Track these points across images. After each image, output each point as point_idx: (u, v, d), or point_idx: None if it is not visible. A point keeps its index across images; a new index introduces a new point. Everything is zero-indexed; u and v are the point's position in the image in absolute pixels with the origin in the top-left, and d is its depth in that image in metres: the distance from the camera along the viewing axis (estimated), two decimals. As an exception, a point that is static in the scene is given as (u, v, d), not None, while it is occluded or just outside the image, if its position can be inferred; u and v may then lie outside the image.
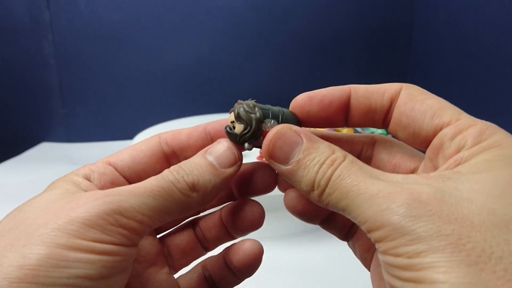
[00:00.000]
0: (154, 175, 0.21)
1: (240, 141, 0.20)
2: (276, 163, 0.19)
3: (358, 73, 0.85)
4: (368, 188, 0.15)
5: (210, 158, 0.20)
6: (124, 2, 0.81)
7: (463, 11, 0.60)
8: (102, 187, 0.20)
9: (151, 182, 0.18)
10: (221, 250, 0.24)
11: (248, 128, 0.20)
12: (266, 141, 0.19)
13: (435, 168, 0.18)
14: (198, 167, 0.19)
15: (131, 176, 0.22)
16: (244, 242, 0.23)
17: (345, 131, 0.68)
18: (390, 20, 0.83)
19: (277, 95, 0.85)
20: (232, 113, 0.20)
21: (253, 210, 0.23)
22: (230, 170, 0.20)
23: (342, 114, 0.21)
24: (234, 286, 0.24)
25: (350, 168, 0.17)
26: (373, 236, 0.15)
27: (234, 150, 0.20)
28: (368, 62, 0.85)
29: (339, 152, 0.18)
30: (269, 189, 0.23)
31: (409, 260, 0.13)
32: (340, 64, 0.85)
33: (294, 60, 0.85)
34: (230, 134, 0.20)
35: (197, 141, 0.22)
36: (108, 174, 0.21)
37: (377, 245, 0.15)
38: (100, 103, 0.87)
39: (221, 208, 0.24)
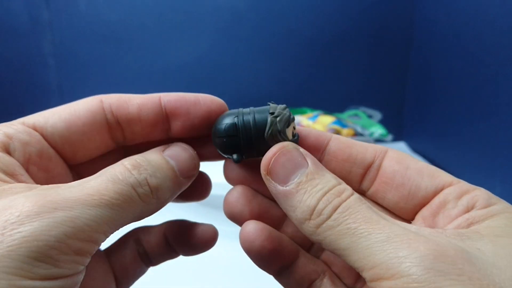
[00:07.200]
0: (92, 148, 0.18)
1: None
2: (273, 181, 0.16)
3: (359, 73, 0.85)
4: (384, 229, 0.13)
5: (172, 162, 0.17)
6: (124, 2, 0.81)
7: (464, 11, 0.60)
8: (26, 162, 0.16)
9: (107, 186, 0.14)
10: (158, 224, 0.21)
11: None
12: (268, 154, 0.17)
13: (432, 228, 0.16)
14: (160, 169, 0.16)
15: (64, 147, 0.18)
16: (198, 227, 0.21)
17: (346, 131, 0.68)
18: (391, 20, 0.82)
19: (277, 95, 0.84)
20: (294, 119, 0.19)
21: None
22: (186, 181, 0.18)
23: (316, 153, 0.19)
24: (169, 259, 0.22)
25: (360, 204, 0.15)
26: (381, 286, 0.13)
27: (196, 160, 0.18)
28: (369, 62, 0.85)
29: (346, 185, 0.16)
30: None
31: None
32: (340, 64, 0.85)
33: (294, 60, 0.85)
34: (295, 141, 0.18)
35: (149, 115, 0.19)
36: (34, 144, 0.17)
37: None
38: (99, 103, 0.86)
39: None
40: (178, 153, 0.17)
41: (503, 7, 0.50)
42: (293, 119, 0.18)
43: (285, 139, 0.18)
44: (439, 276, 0.12)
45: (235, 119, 0.18)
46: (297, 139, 0.19)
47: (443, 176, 0.17)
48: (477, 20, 0.57)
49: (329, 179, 0.16)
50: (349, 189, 0.16)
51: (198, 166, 0.18)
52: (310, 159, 0.17)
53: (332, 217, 0.15)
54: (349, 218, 0.14)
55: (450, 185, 0.17)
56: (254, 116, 0.18)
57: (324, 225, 0.15)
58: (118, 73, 0.85)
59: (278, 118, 0.18)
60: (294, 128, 0.19)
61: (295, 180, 0.16)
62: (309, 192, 0.15)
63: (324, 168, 0.17)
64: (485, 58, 0.55)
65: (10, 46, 0.82)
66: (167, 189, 0.16)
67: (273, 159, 0.17)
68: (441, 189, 0.17)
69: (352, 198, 0.15)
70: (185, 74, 0.85)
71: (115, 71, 0.84)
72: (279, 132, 0.18)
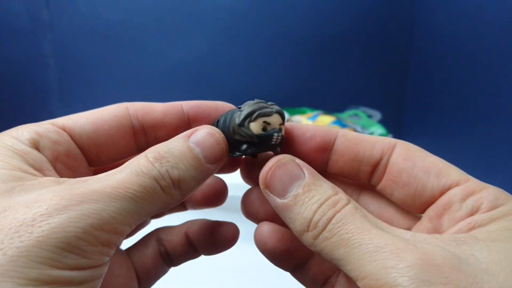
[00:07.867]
0: (116, 151, 0.19)
1: (279, 144, 0.18)
2: (271, 195, 0.16)
3: (359, 73, 0.85)
4: (374, 239, 0.14)
5: (196, 149, 0.16)
6: (124, 2, 0.81)
7: (464, 11, 0.60)
8: (54, 160, 0.17)
9: (131, 179, 0.14)
10: (180, 223, 0.22)
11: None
12: (265, 168, 0.17)
13: (436, 230, 0.16)
14: (184, 159, 0.16)
15: (90, 149, 0.18)
16: (219, 225, 0.21)
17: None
18: (391, 20, 0.82)
19: (277, 95, 0.84)
20: (278, 115, 0.18)
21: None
22: (213, 167, 0.17)
23: (322, 153, 0.19)
24: (190, 259, 0.22)
25: (354, 214, 0.15)
26: None
27: (223, 143, 0.17)
28: (369, 62, 0.85)
29: (342, 195, 0.16)
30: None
31: None
32: (340, 64, 0.85)
33: (294, 60, 0.84)
34: (283, 138, 0.18)
35: (172, 120, 0.19)
36: (63, 144, 0.17)
37: None
38: (99, 103, 0.86)
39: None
40: (204, 138, 0.17)
41: (503, 7, 0.50)
42: (269, 113, 0.17)
43: (249, 133, 0.17)
44: (425, 286, 0.12)
45: (220, 117, 0.19)
46: (278, 136, 0.17)
47: (451, 174, 0.17)
48: (477, 20, 0.57)
49: (326, 189, 0.16)
50: (344, 199, 0.16)
51: (226, 150, 0.18)
52: (307, 169, 0.16)
53: (327, 229, 0.15)
54: (342, 229, 0.14)
55: (457, 184, 0.16)
56: (232, 113, 0.18)
57: (320, 236, 0.15)
58: (118, 73, 0.85)
59: (239, 113, 0.18)
60: (281, 124, 0.18)
61: (292, 192, 0.16)
62: (306, 204, 0.16)
63: (321, 177, 0.17)
64: (485, 58, 0.55)
65: (10, 46, 0.82)
66: (190, 179, 0.16)
67: (269, 173, 0.17)
68: (448, 189, 0.16)
69: (346, 208, 0.15)
70: (185, 74, 0.85)
71: (115, 71, 0.84)
72: (239, 126, 0.17)
